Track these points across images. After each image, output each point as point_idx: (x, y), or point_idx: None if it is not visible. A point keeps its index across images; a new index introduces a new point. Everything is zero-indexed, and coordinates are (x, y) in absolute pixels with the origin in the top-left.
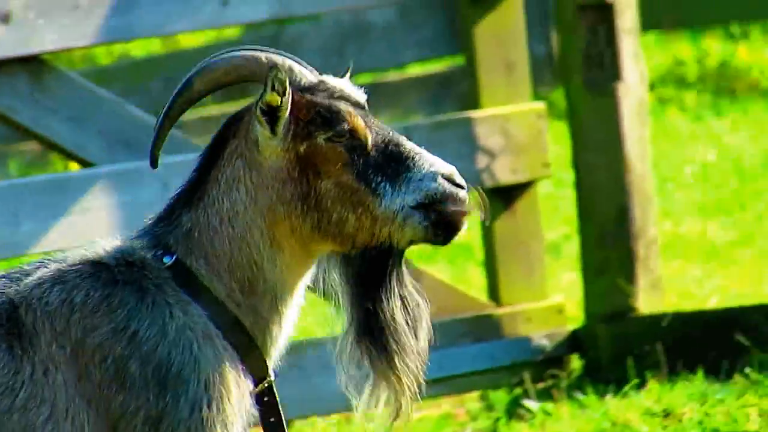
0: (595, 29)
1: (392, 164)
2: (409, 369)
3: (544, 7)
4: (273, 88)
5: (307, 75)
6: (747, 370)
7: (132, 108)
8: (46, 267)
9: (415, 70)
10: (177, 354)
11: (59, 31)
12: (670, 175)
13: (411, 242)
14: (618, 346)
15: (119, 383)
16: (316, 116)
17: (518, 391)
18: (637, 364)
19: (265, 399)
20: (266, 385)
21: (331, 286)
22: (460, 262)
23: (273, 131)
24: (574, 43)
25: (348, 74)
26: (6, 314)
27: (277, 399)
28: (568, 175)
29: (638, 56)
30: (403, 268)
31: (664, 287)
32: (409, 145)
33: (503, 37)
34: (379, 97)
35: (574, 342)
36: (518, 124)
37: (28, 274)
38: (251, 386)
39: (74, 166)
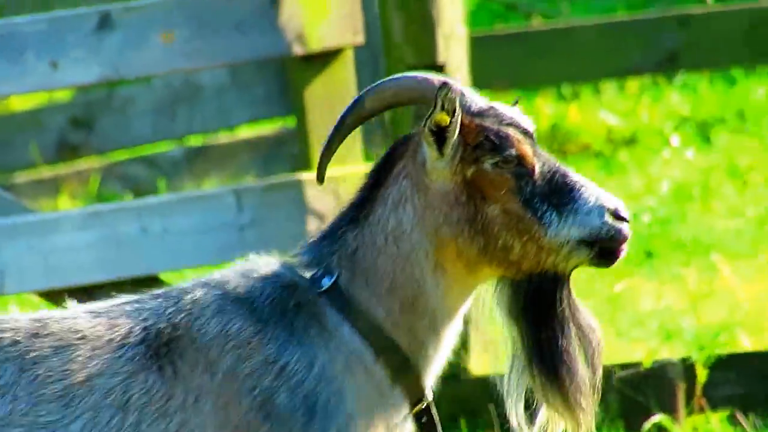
0: None
1: (559, 194)
2: (584, 403)
3: (376, 67)
4: (443, 108)
5: (478, 101)
6: None
7: None
8: (205, 290)
9: (247, 131)
10: (325, 385)
11: None
12: None
13: (575, 267)
14: (452, 406)
15: (265, 413)
16: (485, 141)
17: None
18: (470, 424)
19: (423, 420)
20: (423, 405)
21: (494, 316)
22: None
23: (441, 152)
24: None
25: (516, 104)
26: (163, 336)
27: (435, 419)
28: None
29: None
30: (573, 293)
31: (496, 349)
32: (575, 177)
33: (334, 98)
34: (209, 158)
35: None
36: (350, 186)
37: (187, 294)
38: (406, 408)
39: None
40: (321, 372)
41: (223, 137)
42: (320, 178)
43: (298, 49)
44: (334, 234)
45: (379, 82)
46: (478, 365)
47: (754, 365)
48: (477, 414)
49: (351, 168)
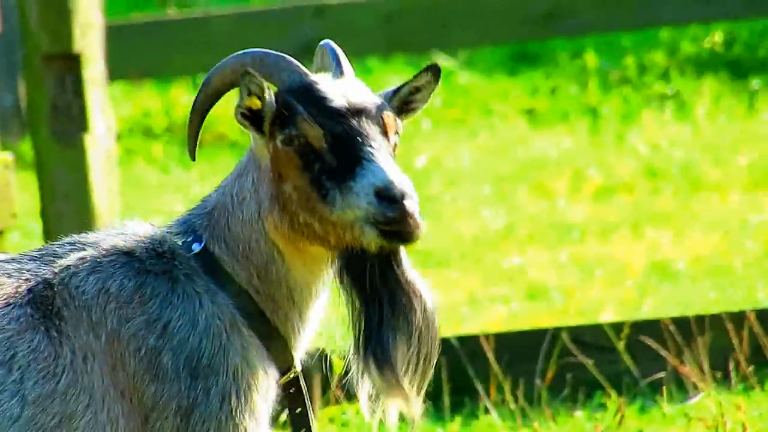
0: (62, 80)
1: (344, 171)
2: (402, 380)
3: (13, 57)
4: (249, 93)
5: (299, 77)
6: None
7: None
8: (78, 251)
9: None
10: (207, 344)
11: None
12: None
13: (381, 247)
14: None
15: (152, 374)
16: (277, 118)
17: None
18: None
19: (292, 390)
20: (292, 375)
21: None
22: None
23: (261, 132)
24: (41, 93)
25: (431, 69)
26: (42, 299)
27: (304, 390)
28: (38, 225)
29: (106, 107)
30: (399, 269)
31: None
32: (369, 151)
33: None
34: None
35: None
36: None
37: (60, 257)
38: (277, 376)
39: None
40: (205, 327)
41: None
42: (192, 156)
43: None
44: (201, 201)
45: (226, 58)
46: None
47: None
48: None
49: None
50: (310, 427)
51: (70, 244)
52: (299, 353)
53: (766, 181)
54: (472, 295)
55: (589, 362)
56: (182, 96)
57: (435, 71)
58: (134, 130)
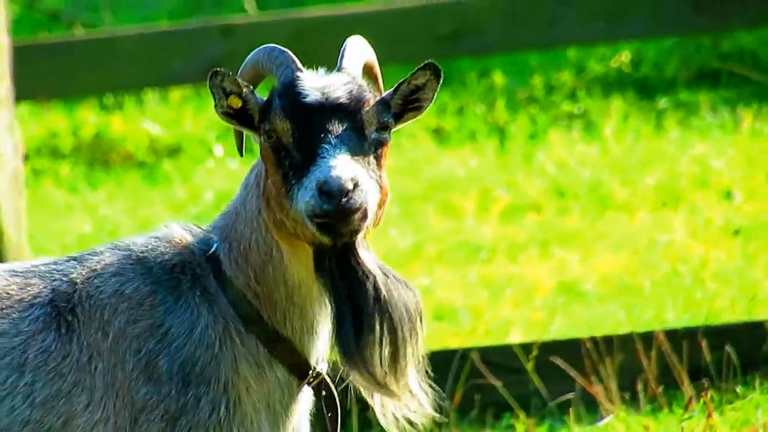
0: None
1: (303, 167)
2: (388, 373)
3: None
4: (225, 93)
5: (291, 72)
6: None
7: None
8: (114, 253)
9: None
10: (201, 353)
11: None
12: (47, 246)
13: (333, 243)
14: None
15: (146, 376)
16: (262, 113)
17: None
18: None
19: (324, 393)
20: (313, 377)
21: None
22: None
23: (254, 127)
24: None
25: (424, 69)
26: (62, 296)
27: (334, 392)
28: None
29: (13, 127)
30: (357, 264)
31: None
32: (325, 148)
33: None
34: None
35: None
36: None
37: (97, 256)
38: (287, 377)
39: None
40: (200, 337)
41: None
42: (240, 152)
43: None
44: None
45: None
46: None
47: None
48: None
49: None
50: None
51: (111, 246)
52: (315, 354)
53: (674, 200)
54: None
55: (497, 383)
56: (89, 116)
57: (433, 69)
58: (42, 151)
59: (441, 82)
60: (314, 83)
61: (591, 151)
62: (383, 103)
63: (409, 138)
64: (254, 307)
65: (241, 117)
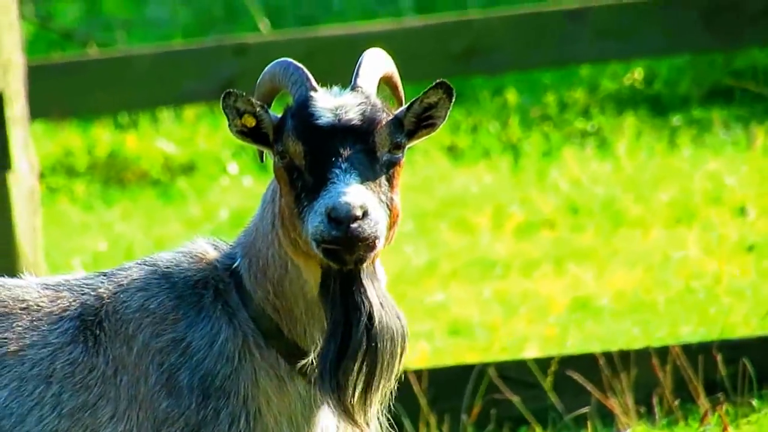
0: None
1: (315, 190)
2: (356, 401)
3: None
4: (239, 113)
5: (305, 90)
6: None
7: None
8: (141, 268)
9: None
10: (221, 367)
11: None
12: (63, 264)
13: (341, 267)
14: None
15: (168, 389)
16: (276, 132)
17: None
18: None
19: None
20: None
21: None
22: None
23: (270, 145)
24: None
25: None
26: (90, 310)
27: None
28: None
29: (28, 145)
30: (358, 290)
31: None
32: (336, 171)
33: None
34: None
35: None
36: None
37: (126, 272)
38: (303, 389)
39: None
40: (220, 350)
41: None
42: (261, 159)
43: None
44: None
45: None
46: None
47: None
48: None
49: None
50: None
51: (139, 262)
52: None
53: (688, 217)
54: None
55: (514, 398)
56: (104, 134)
57: (446, 88)
58: (57, 169)
59: (453, 100)
60: (327, 104)
61: (604, 168)
62: (396, 122)
63: (423, 155)
64: (274, 322)
65: (255, 135)
